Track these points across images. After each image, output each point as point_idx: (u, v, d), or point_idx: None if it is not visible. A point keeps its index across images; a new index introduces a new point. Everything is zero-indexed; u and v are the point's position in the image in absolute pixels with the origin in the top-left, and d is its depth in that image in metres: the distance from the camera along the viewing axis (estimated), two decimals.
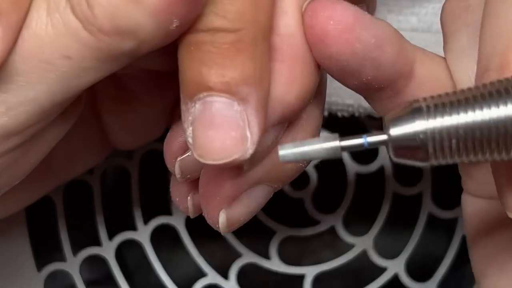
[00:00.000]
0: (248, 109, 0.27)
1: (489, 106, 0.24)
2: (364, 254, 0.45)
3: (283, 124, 0.30)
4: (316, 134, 0.31)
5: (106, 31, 0.26)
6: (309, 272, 0.44)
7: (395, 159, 0.25)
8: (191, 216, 0.35)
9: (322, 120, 0.32)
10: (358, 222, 0.45)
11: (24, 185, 0.32)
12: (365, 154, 0.45)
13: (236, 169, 0.30)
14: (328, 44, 0.28)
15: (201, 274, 0.44)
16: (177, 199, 0.35)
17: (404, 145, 0.24)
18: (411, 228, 0.45)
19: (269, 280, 0.45)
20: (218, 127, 0.27)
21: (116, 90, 0.36)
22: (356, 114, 0.42)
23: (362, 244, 0.45)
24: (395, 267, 0.44)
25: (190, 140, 0.28)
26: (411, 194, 0.45)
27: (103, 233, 0.44)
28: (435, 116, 0.24)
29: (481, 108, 0.24)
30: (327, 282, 0.45)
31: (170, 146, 0.33)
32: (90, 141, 0.38)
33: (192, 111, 0.27)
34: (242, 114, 0.27)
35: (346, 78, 0.29)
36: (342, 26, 0.28)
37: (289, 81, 0.28)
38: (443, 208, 0.45)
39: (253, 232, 0.45)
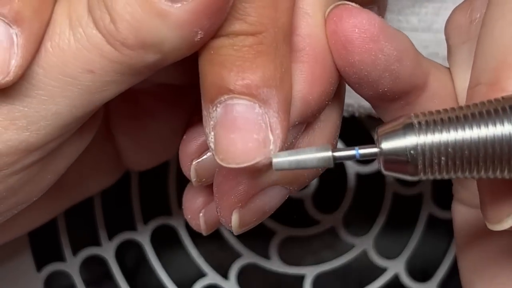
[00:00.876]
0: (270, 112, 0.27)
1: (478, 126, 0.24)
2: (364, 254, 0.45)
3: (301, 125, 0.30)
4: (332, 138, 0.31)
5: (130, 45, 0.26)
6: (309, 272, 0.44)
7: (385, 172, 0.25)
8: (204, 234, 0.35)
9: (340, 124, 0.32)
10: (358, 222, 0.45)
11: (37, 204, 0.32)
12: None
13: (253, 169, 0.30)
14: (351, 52, 0.28)
15: (201, 274, 0.44)
16: (189, 216, 0.35)
17: (394, 159, 0.25)
18: (411, 228, 0.45)
19: (269, 280, 0.45)
20: (240, 130, 0.27)
21: (129, 107, 0.36)
22: (357, 114, 0.42)
23: (362, 244, 0.45)
24: (395, 267, 0.44)
25: (212, 145, 0.27)
26: (411, 194, 0.45)
27: (103, 233, 0.44)
28: (426, 133, 0.24)
29: (471, 127, 0.24)
30: (327, 282, 0.45)
31: (186, 149, 0.33)
32: (103, 161, 0.38)
33: (213, 115, 0.27)
34: (263, 117, 0.27)
35: (363, 87, 0.29)
36: (367, 35, 0.28)
37: (310, 82, 0.28)
38: (443, 208, 0.45)
39: (253, 232, 0.44)
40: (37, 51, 0.27)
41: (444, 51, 0.40)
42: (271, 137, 0.27)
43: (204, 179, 0.33)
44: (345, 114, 0.42)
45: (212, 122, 0.27)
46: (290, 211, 0.45)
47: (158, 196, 0.45)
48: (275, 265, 0.44)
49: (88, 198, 0.44)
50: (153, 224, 0.44)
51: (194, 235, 0.45)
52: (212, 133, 0.27)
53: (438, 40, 0.40)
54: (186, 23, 0.26)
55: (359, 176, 0.45)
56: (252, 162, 0.27)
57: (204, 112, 0.27)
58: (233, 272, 0.44)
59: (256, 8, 0.27)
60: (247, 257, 0.44)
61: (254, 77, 0.27)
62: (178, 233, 0.45)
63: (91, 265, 0.44)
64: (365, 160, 0.45)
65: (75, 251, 0.43)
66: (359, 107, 0.41)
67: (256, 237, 0.45)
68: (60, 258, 0.43)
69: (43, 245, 0.43)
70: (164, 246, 0.45)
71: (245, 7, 0.27)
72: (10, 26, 0.26)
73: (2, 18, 0.25)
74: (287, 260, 0.45)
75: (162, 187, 0.45)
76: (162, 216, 0.45)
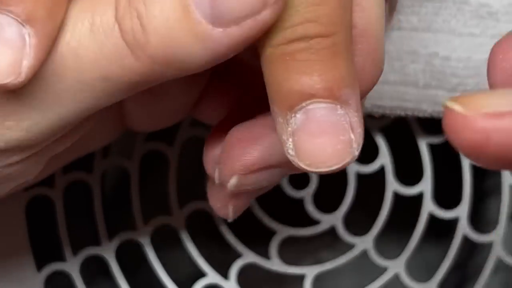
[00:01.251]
0: (351, 111, 0.27)
1: None
2: (364, 254, 0.45)
3: None
4: None
5: (156, 59, 0.26)
6: (309, 272, 0.44)
7: None
8: (230, 220, 0.35)
9: None
10: (358, 222, 0.45)
11: None
12: (365, 154, 0.45)
13: (268, 144, 0.30)
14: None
15: (201, 274, 0.44)
16: (218, 205, 0.35)
17: None
18: (411, 228, 0.44)
19: (269, 280, 0.45)
20: (327, 134, 0.27)
21: None
22: None
23: (362, 244, 0.45)
24: (396, 267, 0.44)
25: (291, 152, 0.27)
26: (411, 194, 0.45)
27: (103, 233, 0.44)
28: None
29: None
30: (327, 282, 0.45)
31: (211, 151, 0.33)
32: (105, 119, 0.38)
33: (292, 121, 0.27)
34: (345, 117, 0.27)
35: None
36: None
37: (360, 77, 0.28)
38: (443, 208, 0.44)
39: (253, 232, 0.44)
40: (50, 53, 0.26)
41: (444, 51, 0.41)
42: (352, 136, 0.27)
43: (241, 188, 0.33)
44: None
45: (290, 129, 0.27)
46: (290, 211, 0.45)
47: (158, 196, 0.45)
48: (275, 265, 0.44)
49: (88, 198, 0.44)
50: (153, 224, 0.44)
51: (194, 235, 0.45)
52: (291, 140, 0.27)
53: (438, 39, 0.40)
54: (223, 48, 0.26)
55: (359, 176, 0.45)
56: (343, 164, 0.27)
57: (279, 120, 0.27)
58: (233, 272, 0.44)
59: (327, 9, 0.26)
60: (247, 257, 0.44)
61: (334, 79, 0.27)
62: (178, 233, 0.45)
63: (91, 265, 0.44)
64: (365, 160, 0.45)
65: (75, 251, 0.43)
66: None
67: (256, 237, 0.45)
68: (60, 257, 0.43)
69: (43, 244, 0.43)
70: (164, 246, 0.45)
71: (317, 9, 0.26)
72: (23, 26, 0.25)
73: (15, 17, 0.25)
74: (287, 260, 0.45)
75: (162, 187, 0.45)
76: (162, 216, 0.44)
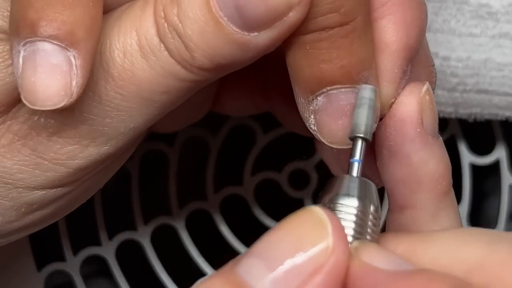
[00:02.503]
0: None
1: None
2: None
3: (408, 67, 0.30)
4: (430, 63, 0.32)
5: (207, 69, 0.28)
6: None
7: None
8: None
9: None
10: None
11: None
12: None
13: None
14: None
15: (201, 274, 0.44)
16: None
17: None
18: None
19: None
20: (347, 117, 0.28)
21: None
22: None
23: None
24: None
25: (313, 127, 0.29)
26: None
27: (103, 233, 0.44)
28: None
29: None
30: None
31: None
32: None
33: (313, 103, 0.29)
34: None
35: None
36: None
37: (405, 28, 0.29)
38: None
39: (253, 232, 0.44)
40: (110, 77, 0.28)
41: (443, 51, 0.41)
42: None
43: None
44: None
45: (312, 108, 0.29)
46: (290, 211, 0.45)
47: (158, 196, 0.45)
48: None
49: (88, 198, 0.44)
50: (153, 224, 0.44)
51: (194, 235, 0.45)
52: (313, 117, 0.29)
53: (438, 39, 0.40)
54: (263, 48, 0.28)
55: None
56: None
57: (301, 100, 0.29)
58: None
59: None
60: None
61: (353, 65, 0.28)
62: (178, 233, 0.45)
63: (91, 265, 0.44)
64: None
65: (75, 251, 0.43)
66: None
67: (256, 237, 0.45)
68: (60, 258, 0.43)
69: (43, 244, 0.43)
70: (164, 246, 0.45)
71: (338, 0, 0.27)
72: (68, 50, 0.26)
73: (59, 43, 0.26)
74: None
75: (162, 187, 0.45)
76: (162, 216, 0.44)
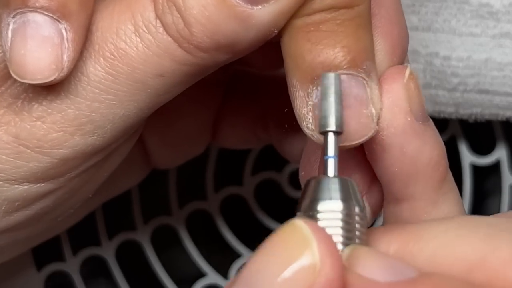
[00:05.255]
0: (372, 85, 0.27)
1: None
2: None
3: None
4: None
5: (205, 48, 0.26)
6: None
7: None
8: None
9: None
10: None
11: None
12: None
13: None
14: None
15: (201, 274, 0.44)
16: None
17: None
18: None
19: None
20: (350, 107, 0.27)
21: None
22: None
23: None
24: None
25: (310, 126, 0.27)
26: None
27: (103, 233, 0.44)
28: None
29: None
30: None
31: (308, 168, 0.33)
32: (132, 159, 0.38)
33: (313, 94, 0.27)
34: (367, 90, 0.27)
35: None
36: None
37: (391, 43, 0.28)
38: None
39: (253, 232, 0.44)
40: (101, 55, 0.27)
41: (444, 51, 0.41)
42: (373, 110, 0.27)
43: None
44: None
45: (311, 102, 0.27)
46: (290, 211, 0.45)
47: (158, 196, 0.45)
48: None
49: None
50: (153, 224, 0.44)
51: (194, 235, 0.45)
52: (311, 114, 0.27)
53: (438, 39, 0.40)
54: (266, 25, 0.26)
55: None
56: (365, 138, 0.27)
57: (300, 94, 0.27)
58: (233, 272, 0.44)
59: None
60: (247, 257, 0.44)
61: (358, 51, 0.26)
62: (178, 233, 0.45)
63: (91, 265, 0.44)
64: None
65: (75, 251, 0.43)
66: None
67: (256, 237, 0.45)
68: (60, 258, 0.43)
69: (43, 245, 0.43)
70: (164, 246, 0.45)
71: None
72: (59, 22, 0.25)
73: (50, 14, 0.25)
74: None
75: (162, 187, 0.45)
76: (162, 216, 0.44)
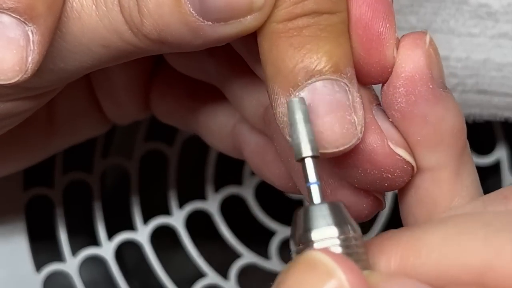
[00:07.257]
0: (353, 92, 0.27)
1: None
2: None
3: None
4: None
5: (151, 39, 0.27)
6: None
7: None
8: None
9: None
10: (358, 222, 0.45)
11: (31, 141, 0.33)
12: None
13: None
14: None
15: (201, 274, 0.44)
16: None
17: None
18: None
19: (269, 280, 0.45)
20: (335, 113, 0.26)
21: None
22: None
23: None
24: None
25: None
26: None
27: (102, 233, 0.44)
28: None
29: None
30: None
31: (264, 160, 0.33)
32: (90, 109, 0.38)
33: None
34: (350, 97, 0.26)
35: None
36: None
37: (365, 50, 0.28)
38: None
39: (253, 232, 0.44)
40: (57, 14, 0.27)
41: (442, 51, 0.40)
42: (356, 118, 0.26)
43: None
44: None
45: None
46: (290, 211, 0.45)
47: (158, 196, 0.45)
48: (275, 265, 0.44)
49: (88, 198, 0.44)
50: (153, 224, 0.44)
51: (194, 235, 0.45)
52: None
53: (438, 39, 0.40)
54: (215, 39, 0.26)
55: None
56: (349, 145, 0.26)
57: (282, 100, 0.26)
58: (233, 272, 0.44)
59: None
60: (247, 257, 0.44)
61: (340, 56, 0.26)
62: (178, 233, 0.45)
63: (91, 265, 0.44)
64: None
65: (74, 251, 0.43)
66: None
67: (256, 237, 0.45)
68: (60, 258, 0.43)
69: (42, 245, 0.43)
70: (164, 246, 0.45)
71: None
72: (26, 24, 0.25)
73: (17, 16, 0.25)
74: (287, 260, 0.44)
75: (162, 187, 0.45)
76: (162, 216, 0.44)
